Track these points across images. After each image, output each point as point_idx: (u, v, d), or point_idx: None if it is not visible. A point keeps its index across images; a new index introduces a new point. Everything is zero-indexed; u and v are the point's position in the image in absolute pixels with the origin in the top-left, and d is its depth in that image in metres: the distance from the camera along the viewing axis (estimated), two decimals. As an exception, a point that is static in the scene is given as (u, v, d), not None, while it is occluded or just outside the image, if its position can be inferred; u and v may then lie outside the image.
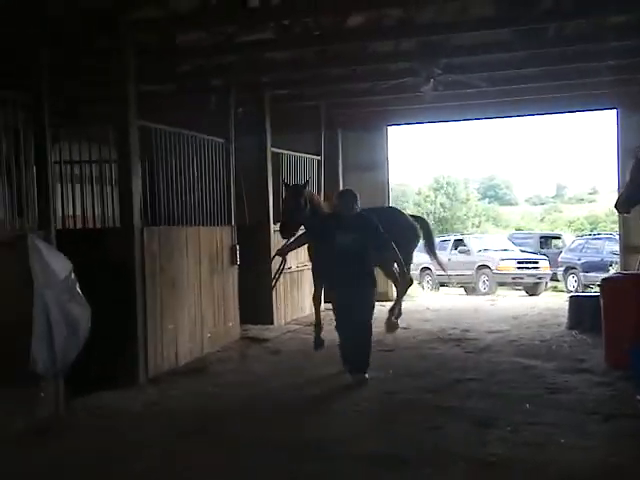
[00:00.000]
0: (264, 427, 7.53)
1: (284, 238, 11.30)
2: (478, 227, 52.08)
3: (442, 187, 54.21)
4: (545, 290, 26.02)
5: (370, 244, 9.73)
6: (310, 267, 12.70)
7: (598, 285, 11.54)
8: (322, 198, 14.45)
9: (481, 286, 24.75)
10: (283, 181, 13.70)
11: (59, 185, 10.52)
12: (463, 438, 6.88)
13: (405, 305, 14.17)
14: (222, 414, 8.07)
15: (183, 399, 8.65)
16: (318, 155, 17.11)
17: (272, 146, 14.73)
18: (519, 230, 47.92)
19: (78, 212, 10.97)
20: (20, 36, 9.00)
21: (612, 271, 20.21)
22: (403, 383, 9.37)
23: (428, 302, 19.09)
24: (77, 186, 11.18)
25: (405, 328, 13.61)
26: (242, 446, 6.84)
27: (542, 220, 63.86)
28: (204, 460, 6.57)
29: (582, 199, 76.28)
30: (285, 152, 15.63)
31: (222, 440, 7.13)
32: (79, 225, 10.95)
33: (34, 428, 7.57)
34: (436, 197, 53.54)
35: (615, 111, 17.10)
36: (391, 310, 12.88)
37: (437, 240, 21.12)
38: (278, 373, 10.42)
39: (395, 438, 6.94)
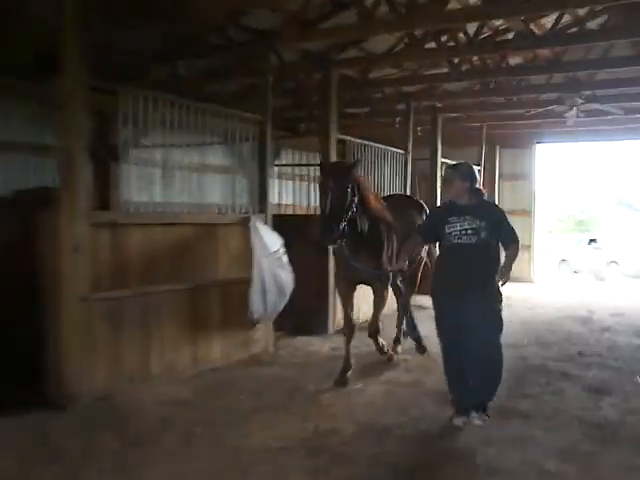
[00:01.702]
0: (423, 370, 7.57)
1: (326, 242, 6.72)
2: (610, 229, 49.63)
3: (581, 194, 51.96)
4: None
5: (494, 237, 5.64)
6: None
7: None
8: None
9: (609, 277, 23.42)
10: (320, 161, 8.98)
11: (279, 181, 10.85)
12: (580, 402, 6.56)
13: (538, 288, 12.89)
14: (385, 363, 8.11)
15: (358, 347, 8.79)
16: (478, 165, 16.82)
17: (442, 157, 14.53)
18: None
19: (290, 202, 11.37)
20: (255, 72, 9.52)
21: None
22: (534, 351, 9.01)
23: (562, 287, 18.23)
24: (290, 183, 11.77)
25: (541, 307, 13.05)
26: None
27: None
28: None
29: None
30: (450, 162, 15.17)
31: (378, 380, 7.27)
32: (290, 212, 11.28)
33: (251, 359, 7.98)
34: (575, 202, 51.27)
35: None
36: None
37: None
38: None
39: (522, 396, 6.68)
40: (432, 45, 10.33)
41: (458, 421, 5.66)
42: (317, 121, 11.70)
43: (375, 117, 15.07)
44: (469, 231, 5.58)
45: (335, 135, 10.12)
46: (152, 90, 7.24)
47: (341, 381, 7.02)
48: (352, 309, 7.45)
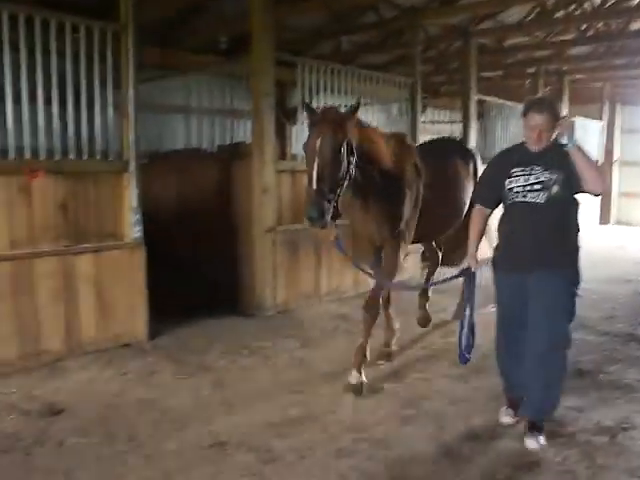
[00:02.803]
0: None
1: (314, 225, 3.88)
2: None
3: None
4: None
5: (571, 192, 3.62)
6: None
7: None
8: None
9: None
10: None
11: (423, 136, 10.69)
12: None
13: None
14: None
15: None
16: (600, 121, 15.82)
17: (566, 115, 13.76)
18: None
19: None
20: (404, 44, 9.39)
21: None
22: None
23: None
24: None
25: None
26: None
27: None
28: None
29: None
30: (576, 118, 14.39)
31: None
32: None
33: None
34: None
35: None
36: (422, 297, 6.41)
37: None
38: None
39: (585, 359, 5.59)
40: (561, 14, 9.92)
41: (506, 418, 4.02)
42: (457, 84, 11.58)
43: (508, 80, 14.45)
44: (536, 186, 3.56)
45: (475, 95, 9.94)
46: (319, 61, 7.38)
47: (355, 388, 4.53)
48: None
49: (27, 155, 4.94)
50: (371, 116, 7.85)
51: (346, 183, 4.06)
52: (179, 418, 4.04)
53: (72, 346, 5.15)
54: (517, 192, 3.63)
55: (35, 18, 4.85)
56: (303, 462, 3.49)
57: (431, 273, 6.65)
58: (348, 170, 4.04)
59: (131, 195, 5.42)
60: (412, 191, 4.87)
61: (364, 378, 4.57)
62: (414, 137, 8.58)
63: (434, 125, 12.69)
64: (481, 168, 5.78)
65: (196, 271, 7.22)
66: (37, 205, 4.97)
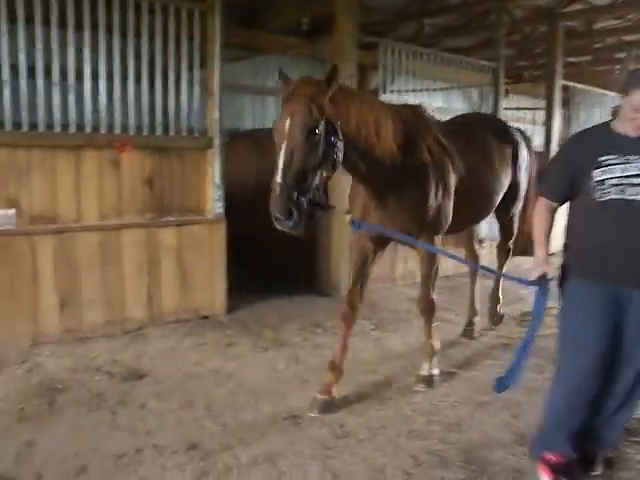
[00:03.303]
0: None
1: (283, 227, 3.17)
2: None
3: None
4: None
5: None
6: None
7: None
8: None
9: None
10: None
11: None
12: None
13: None
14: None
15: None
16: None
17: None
18: None
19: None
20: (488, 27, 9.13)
21: None
22: None
23: None
24: (518, 125, 11.35)
25: None
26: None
27: None
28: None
29: None
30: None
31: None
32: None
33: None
34: None
35: None
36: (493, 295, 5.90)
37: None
38: None
39: None
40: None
41: None
42: (541, 69, 11.17)
43: (595, 65, 13.84)
44: (637, 179, 2.79)
45: (560, 81, 9.57)
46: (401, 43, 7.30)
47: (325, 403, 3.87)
48: (363, 282, 4.18)
49: (117, 131, 5.12)
50: (451, 101, 7.72)
51: (325, 173, 3.26)
52: (255, 390, 4.13)
53: (154, 315, 5.35)
54: (612, 185, 2.82)
55: (128, 1, 5.00)
56: (375, 440, 3.51)
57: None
58: (329, 157, 3.22)
59: (214, 171, 5.55)
60: (438, 171, 4.01)
61: (436, 371, 4.38)
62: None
63: (518, 112, 12.30)
64: (525, 152, 5.31)
65: (273, 250, 7.32)
66: (125, 179, 5.17)
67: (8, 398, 3.89)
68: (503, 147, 5.01)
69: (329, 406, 3.84)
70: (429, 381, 4.30)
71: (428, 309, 4.29)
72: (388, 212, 3.88)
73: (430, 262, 4.14)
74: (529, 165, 5.42)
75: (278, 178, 3.09)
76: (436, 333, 4.40)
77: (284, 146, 3.12)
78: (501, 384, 3.21)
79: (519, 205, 5.53)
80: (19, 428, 3.51)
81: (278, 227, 3.16)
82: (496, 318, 5.84)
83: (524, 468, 3.27)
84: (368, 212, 3.95)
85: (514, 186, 5.21)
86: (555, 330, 3.22)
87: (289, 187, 3.09)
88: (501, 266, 5.84)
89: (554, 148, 9.33)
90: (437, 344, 4.40)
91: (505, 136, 5.14)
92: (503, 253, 5.85)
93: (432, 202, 3.98)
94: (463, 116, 5.68)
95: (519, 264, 8.29)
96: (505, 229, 5.73)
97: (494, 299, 5.88)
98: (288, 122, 3.14)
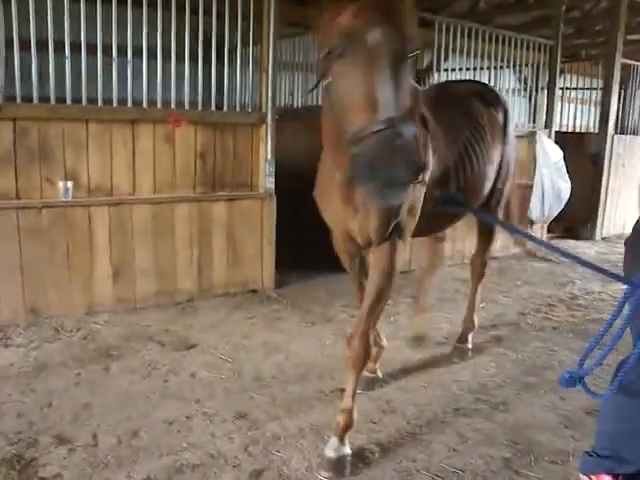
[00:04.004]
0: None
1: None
2: None
3: None
4: None
5: None
6: None
7: None
8: None
9: None
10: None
11: (562, 103, 10.12)
12: None
13: None
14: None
15: (621, 254, 8.16)
16: None
17: None
18: None
19: (570, 122, 10.58)
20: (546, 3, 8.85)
21: None
22: None
23: None
24: (572, 105, 11.02)
25: None
26: None
27: None
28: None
29: None
30: None
31: None
32: (570, 129, 10.53)
33: (526, 253, 7.80)
34: None
35: None
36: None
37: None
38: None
39: None
40: None
41: None
42: (599, 47, 10.77)
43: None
44: None
45: (620, 59, 9.17)
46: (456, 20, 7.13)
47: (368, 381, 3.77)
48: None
49: (172, 106, 5.18)
50: (504, 80, 7.54)
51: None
52: (302, 363, 4.16)
53: (204, 288, 5.44)
54: None
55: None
56: (422, 416, 3.50)
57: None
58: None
59: (267, 147, 5.57)
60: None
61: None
62: (550, 103, 8.14)
63: (575, 92, 11.93)
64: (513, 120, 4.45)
65: (322, 228, 7.33)
66: (179, 153, 5.23)
67: (66, 363, 4.02)
68: (493, 119, 3.95)
69: (372, 383, 3.81)
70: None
71: (360, 356, 2.95)
72: (350, 206, 2.81)
73: (386, 276, 2.89)
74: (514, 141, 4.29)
75: (387, 112, 1.94)
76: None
77: (386, 64, 2.01)
78: (569, 381, 2.48)
79: (506, 195, 4.25)
80: (76, 392, 3.63)
81: (384, 197, 2.04)
82: (459, 350, 4.45)
83: (570, 450, 3.23)
84: (344, 208, 2.85)
85: (503, 168, 4.06)
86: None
87: (408, 127, 1.97)
88: (475, 288, 4.49)
89: (610, 130, 9.02)
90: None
91: (496, 105, 4.06)
92: (478, 269, 4.44)
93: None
94: (445, 83, 4.73)
95: (575, 247, 8.13)
96: (485, 232, 4.38)
97: (468, 322, 4.53)
98: (388, 30, 2.03)
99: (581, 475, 2.76)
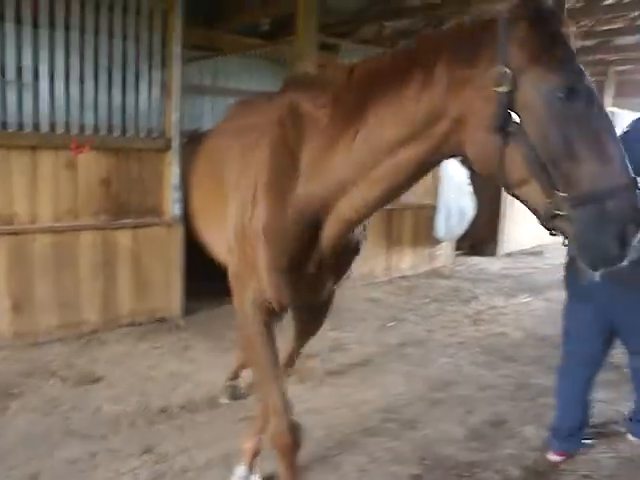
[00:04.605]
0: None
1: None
2: None
3: None
4: None
5: None
6: None
7: None
8: None
9: None
10: None
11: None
12: None
13: None
14: (548, 282, 7.89)
15: (523, 269, 8.59)
16: None
17: (612, 106, 13.40)
18: None
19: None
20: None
21: None
22: None
23: None
24: None
25: None
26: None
27: None
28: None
29: None
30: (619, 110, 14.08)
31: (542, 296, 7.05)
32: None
33: (433, 272, 8.08)
34: None
35: None
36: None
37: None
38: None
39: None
40: (609, 2, 9.60)
41: None
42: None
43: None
44: None
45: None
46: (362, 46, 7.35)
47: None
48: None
49: (74, 131, 5.04)
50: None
51: None
52: (212, 392, 4.11)
53: (109, 318, 5.28)
54: None
55: (87, -1, 4.95)
56: (331, 438, 3.54)
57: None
58: None
59: (173, 173, 5.50)
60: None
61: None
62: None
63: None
64: None
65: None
66: (82, 180, 5.08)
67: (-41, 404, 3.80)
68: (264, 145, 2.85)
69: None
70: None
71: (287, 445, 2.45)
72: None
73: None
74: None
75: (629, 169, 1.63)
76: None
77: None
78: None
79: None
80: (-30, 435, 3.44)
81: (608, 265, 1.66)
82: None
83: (476, 462, 3.35)
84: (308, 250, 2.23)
85: None
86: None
87: None
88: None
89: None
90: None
91: (277, 127, 2.92)
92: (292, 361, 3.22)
93: None
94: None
95: (479, 264, 8.48)
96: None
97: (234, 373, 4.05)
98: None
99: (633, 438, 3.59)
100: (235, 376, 3.99)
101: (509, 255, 9.65)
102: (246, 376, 3.90)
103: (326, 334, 5.45)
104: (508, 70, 1.62)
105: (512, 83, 1.63)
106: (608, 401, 4.17)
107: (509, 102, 1.64)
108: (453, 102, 1.74)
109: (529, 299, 6.93)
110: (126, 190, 5.34)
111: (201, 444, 3.41)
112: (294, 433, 2.42)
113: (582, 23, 11.02)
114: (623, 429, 3.78)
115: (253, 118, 2.63)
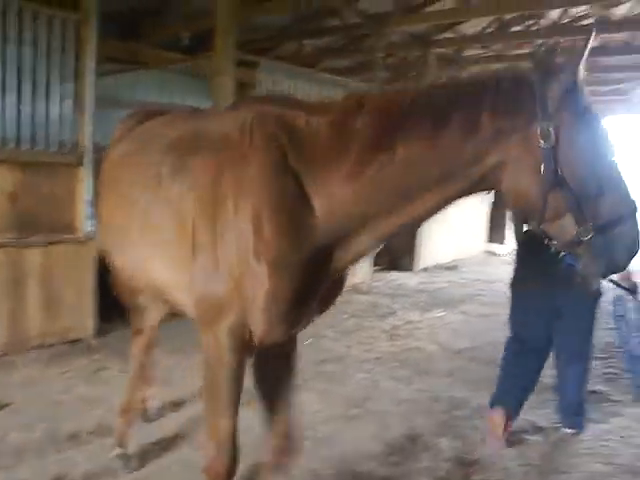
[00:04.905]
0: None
1: None
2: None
3: None
4: None
5: None
6: None
7: None
8: None
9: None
10: None
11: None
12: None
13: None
14: (463, 296, 8.16)
15: (439, 283, 8.84)
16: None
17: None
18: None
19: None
20: (366, 50, 9.49)
21: None
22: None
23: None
24: None
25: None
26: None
27: None
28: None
29: None
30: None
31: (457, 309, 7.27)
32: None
33: (352, 288, 8.14)
34: None
35: None
36: None
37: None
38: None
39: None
40: (518, 29, 10.16)
41: None
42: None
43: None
44: None
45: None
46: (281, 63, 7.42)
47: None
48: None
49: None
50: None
51: None
52: (125, 414, 3.99)
53: (18, 340, 5.05)
54: None
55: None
56: (246, 460, 3.50)
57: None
58: None
59: (85, 189, 5.35)
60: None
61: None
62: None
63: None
64: None
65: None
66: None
67: None
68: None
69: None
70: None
71: None
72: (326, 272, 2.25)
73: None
74: None
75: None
76: None
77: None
78: None
79: None
80: None
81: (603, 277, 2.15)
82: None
83: (392, 476, 3.41)
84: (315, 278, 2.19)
85: None
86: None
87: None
88: None
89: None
90: None
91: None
92: None
93: None
94: None
95: (397, 279, 8.64)
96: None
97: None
98: None
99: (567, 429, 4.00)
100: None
101: (425, 270, 9.91)
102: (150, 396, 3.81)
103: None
104: (551, 128, 1.89)
105: (555, 139, 1.90)
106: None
107: (554, 156, 1.90)
108: (496, 148, 1.94)
109: (443, 313, 7.14)
110: (35, 206, 5.14)
111: (111, 471, 3.30)
112: (233, 463, 2.38)
113: (493, 48, 11.55)
114: (532, 437, 3.95)
115: (212, 131, 2.38)
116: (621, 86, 12.52)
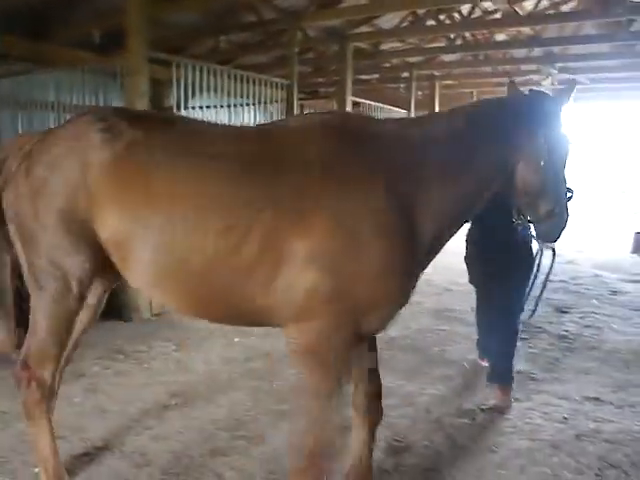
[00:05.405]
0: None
1: None
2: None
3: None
4: None
5: None
6: None
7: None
8: None
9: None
10: None
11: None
12: (546, 318, 6.66)
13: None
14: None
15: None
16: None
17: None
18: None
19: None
20: (283, 45, 9.48)
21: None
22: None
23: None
24: None
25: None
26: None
27: None
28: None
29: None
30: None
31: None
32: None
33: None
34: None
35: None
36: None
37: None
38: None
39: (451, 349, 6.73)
40: (432, 23, 10.43)
41: None
42: (334, 86, 11.89)
43: (383, 83, 14.96)
44: None
45: (350, 98, 10.22)
46: (197, 60, 7.33)
47: None
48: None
49: None
50: (249, 116, 7.90)
51: None
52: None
53: None
54: None
55: None
56: (179, 464, 3.47)
57: None
58: None
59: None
60: None
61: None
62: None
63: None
64: None
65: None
66: None
67: None
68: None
69: None
70: None
71: None
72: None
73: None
74: None
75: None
76: None
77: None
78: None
79: None
80: None
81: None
82: None
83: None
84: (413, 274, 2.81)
85: None
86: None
87: None
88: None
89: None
90: None
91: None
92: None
93: None
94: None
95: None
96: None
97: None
98: None
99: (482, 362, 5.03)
100: None
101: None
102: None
103: (171, 355, 5.35)
104: (547, 146, 2.74)
105: (548, 154, 2.75)
106: (443, 395, 4.48)
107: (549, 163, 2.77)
108: (515, 156, 2.80)
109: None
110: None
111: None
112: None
113: (410, 41, 11.79)
114: (460, 420, 4.09)
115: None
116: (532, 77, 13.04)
